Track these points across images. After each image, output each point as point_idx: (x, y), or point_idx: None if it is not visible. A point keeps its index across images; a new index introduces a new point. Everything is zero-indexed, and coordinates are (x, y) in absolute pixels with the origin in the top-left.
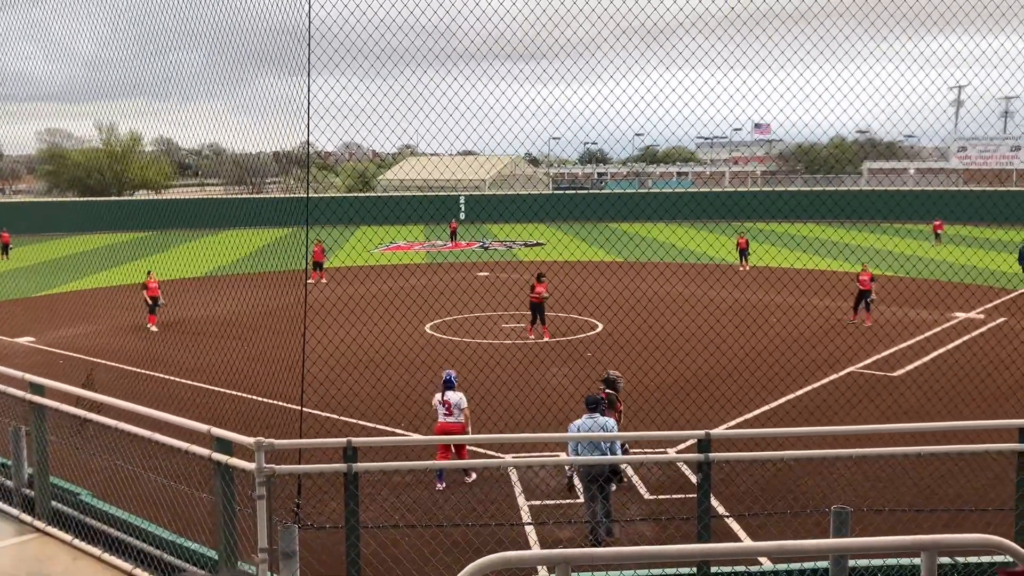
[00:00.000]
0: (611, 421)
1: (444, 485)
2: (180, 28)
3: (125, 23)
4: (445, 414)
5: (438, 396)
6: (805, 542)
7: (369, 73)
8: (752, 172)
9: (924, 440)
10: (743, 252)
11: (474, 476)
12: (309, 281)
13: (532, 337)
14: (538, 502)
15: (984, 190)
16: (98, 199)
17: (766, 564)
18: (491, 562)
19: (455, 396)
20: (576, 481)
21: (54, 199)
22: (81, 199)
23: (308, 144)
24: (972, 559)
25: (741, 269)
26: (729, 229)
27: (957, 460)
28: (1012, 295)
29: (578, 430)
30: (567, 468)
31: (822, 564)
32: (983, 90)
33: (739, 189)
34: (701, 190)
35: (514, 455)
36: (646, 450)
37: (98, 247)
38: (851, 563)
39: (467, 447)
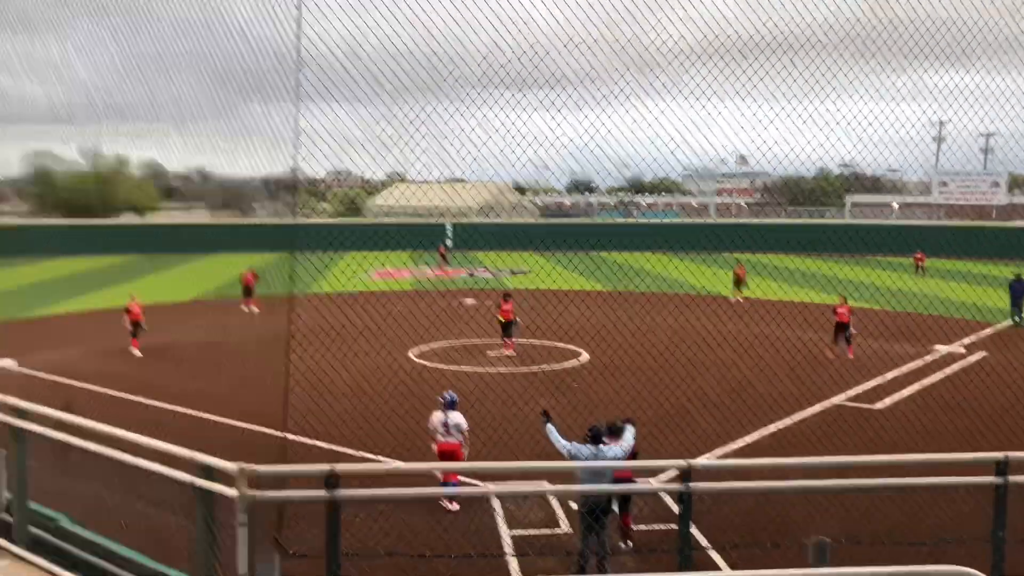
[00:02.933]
0: (617, 450)
1: (456, 506)
2: (170, 52)
3: (117, 46)
4: (444, 434)
5: (439, 416)
6: (783, 571)
7: (361, 100)
8: (737, 204)
9: (905, 472)
10: (739, 281)
11: (457, 507)
12: (243, 308)
13: (502, 351)
14: (521, 531)
15: (965, 224)
16: (84, 221)
17: None
18: None
19: (456, 416)
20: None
21: (39, 221)
22: (66, 221)
23: (295, 170)
24: None
25: (733, 300)
26: (715, 260)
27: (936, 492)
28: (993, 328)
29: (576, 457)
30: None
31: None
32: (964, 126)
33: (725, 220)
34: (687, 221)
35: (496, 483)
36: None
37: (83, 270)
38: None
39: (458, 475)
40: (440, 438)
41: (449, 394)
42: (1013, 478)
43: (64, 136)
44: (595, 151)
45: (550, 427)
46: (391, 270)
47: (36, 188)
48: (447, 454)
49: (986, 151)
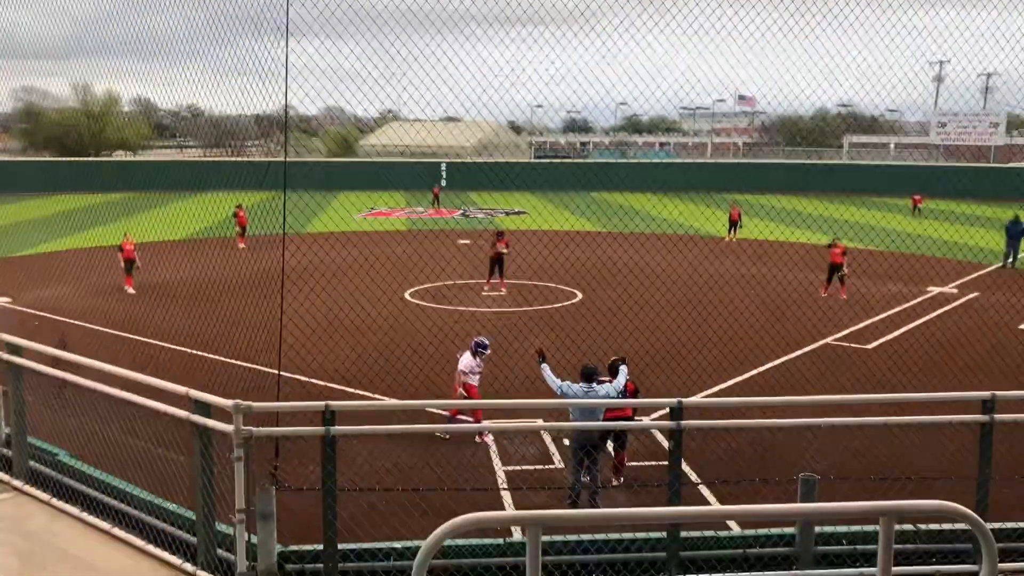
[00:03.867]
0: (610, 389)
1: (490, 438)
2: None
3: None
4: (475, 375)
5: (471, 359)
6: (770, 506)
7: (354, 36)
8: (734, 143)
9: (894, 411)
10: (734, 223)
11: (490, 439)
12: (240, 246)
13: (487, 289)
14: (514, 467)
15: (963, 166)
16: (75, 159)
17: (735, 529)
18: (463, 522)
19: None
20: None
21: (29, 158)
22: (57, 159)
23: (287, 107)
24: (934, 526)
25: (727, 240)
26: (712, 200)
27: (924, 431)
28: (986, 270)
29: (567, 394)
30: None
31: (789, 530)
32: (964, 66)
33: (721, 160)
34: (683, 160)
35: (492, 421)
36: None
37: (74, 208)
38: (817, 529)
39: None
40: (472, 380)
41: (483, 339)
42: (999, 416)
43: (53, 72)
44: (592, 89)
45: (544, 366)
46: (384, 210)
47: (25, 124)
48: (475, 395)
49: (986, 91)
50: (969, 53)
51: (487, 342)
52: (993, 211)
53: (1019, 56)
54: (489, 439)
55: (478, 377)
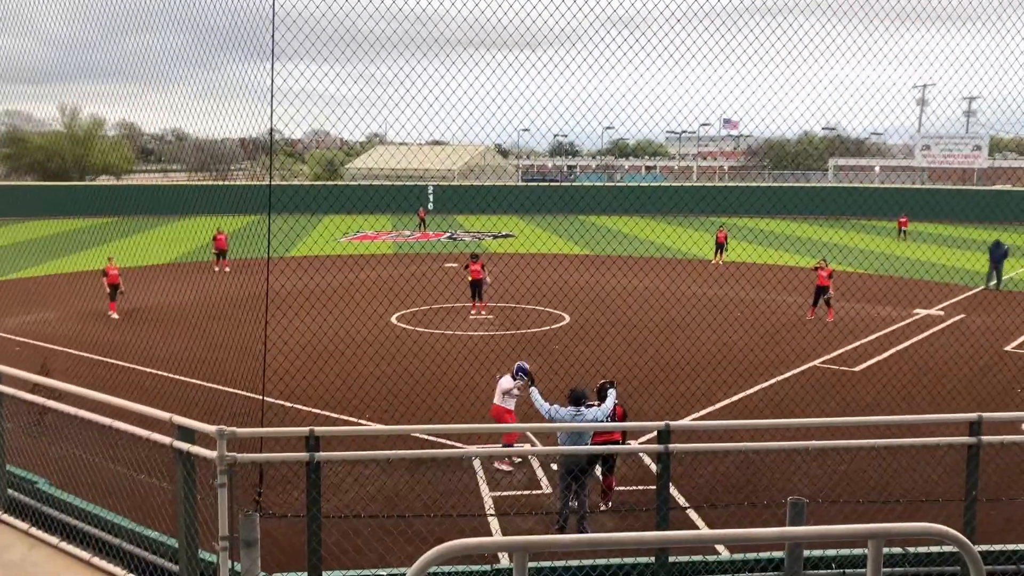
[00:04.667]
0: (598, 412)
1: (507, 466)
2: (144, 10)
3: (90, 2)
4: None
5: (511, 380)
6: (759, 530)
7: (340, 60)
8: (720, 167)
9: (881, 434)
10: (720, 246)
11: (510, 468)
12: (215, 269)
13: (474, 313)
14: (501, 493)
15: (948, 188)
16: (58, 184)
17: (724, 553)
18: (450, 549)
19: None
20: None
21: (13, 183)
22: (41, 183)
23: (272, 131)
24: (923, 549)
25: (714, 263)
26: (698, 223)
27: (912, 453)
28: (972, 291)
29: (554, 419)
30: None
31: (778, 554)
32: (947, 89)
33: (708, 184)
34: (671, 184)
35: (479, 446)
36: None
37: (58, 232)
38: (806, 553)
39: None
40: (508, 404)
41: (523, 363)
42: (986, 438)
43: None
44: (579, 113)
45: (533, 389)
46: (370, 234)
47: (8, 149)
48: (509, 419)
49: (968, 114)
50: (951, 77)
51: (527, 366)
52: (979, 233)
53: (1001, 79)
54: (508, 466)
55: (514, 401)
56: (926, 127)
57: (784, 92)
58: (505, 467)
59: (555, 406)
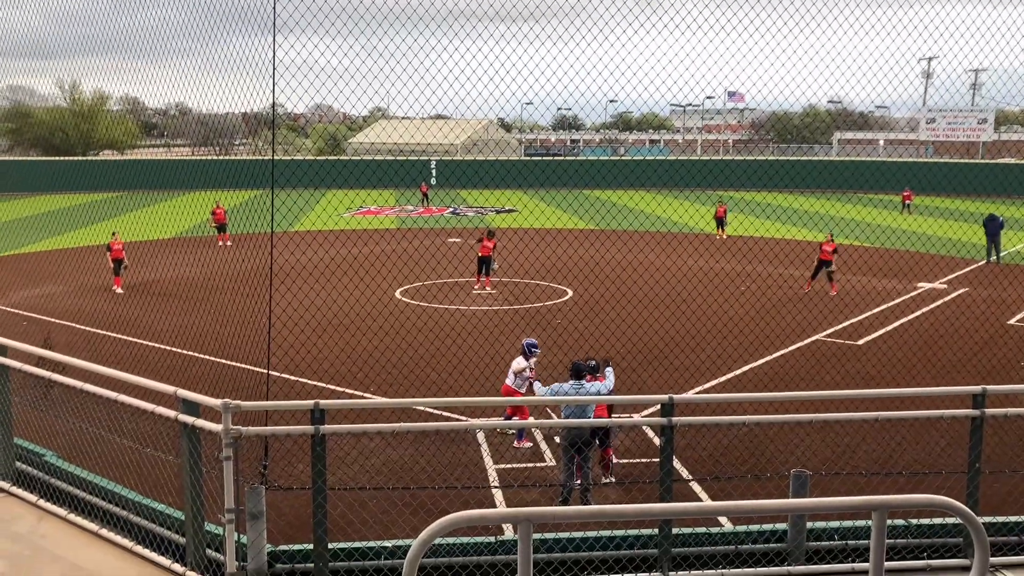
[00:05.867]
0: (600, 386)
1: (527, 443)
2: None
3: None
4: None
5: (531, 362)
6: (762, 502)
7: (342, 32)
8: (724, 141)
9: (884, 406)
10: (720, 221)
11: (528, 444)
12: (219, 244)
13: (478, 288)
14: (506, 465)
15: (953, 162)
16: (62, 159)
17: (727, 525)
18: (454, 520)
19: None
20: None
21: (17, 158)
22: (45, 159)
23: (274, 106)
24: (925, 520)
25: (718, 237)
26: (703, 197)
27: (915, 426)
28: (975, 265)
29: (557, 394)
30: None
31: (781, 526)
32: (952, 62)
33: (713, 158)
34: (676, 158)
35: (482, 419)
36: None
37: (62, 207)
38: (809, 524)
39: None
40: (517, 382)
41: (531, 339)
42: (989, 411)
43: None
44: (583, 84)
45: (536, 384)
46: (373, 208)
47: (12, 123)
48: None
49: (974, 87)
50: (957, 49)
51: (535, 342)
52: (984, 206)
53: (1007, 51)
54: (528, 443)
55: (525, 384)
56: (931, 100)
57: (791, 64)
58: (527, 444)
59: (555, 384)
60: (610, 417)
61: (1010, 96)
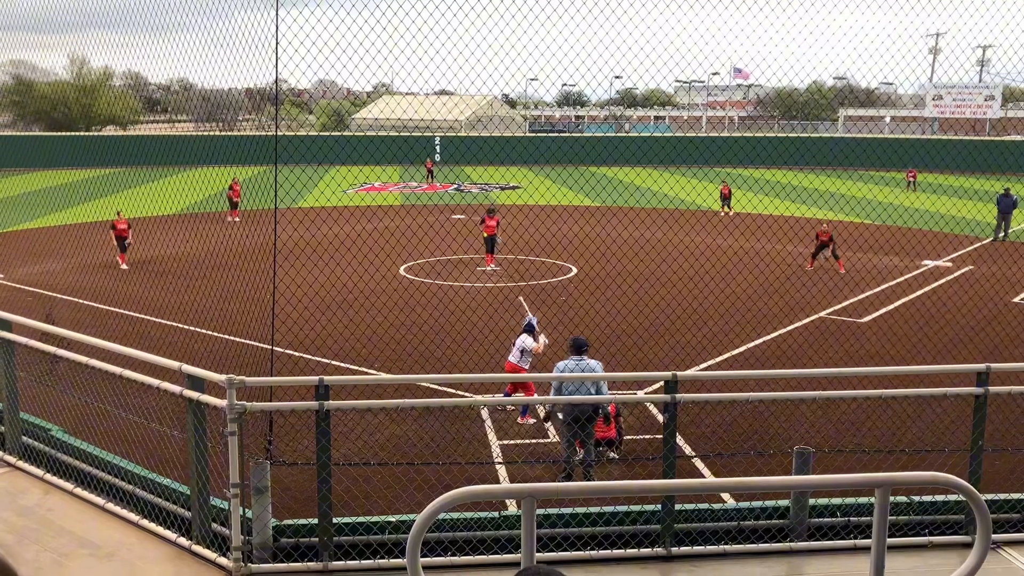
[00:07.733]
0: (598, 364)
1: (530, 419)
2: None
3: None
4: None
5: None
6: (765, 479)
7: (344, 6)
8: (729, 117)
9: (887, 384)
10: (725, 199)
11: (532, 420)
12: (229, 219)
13: (491, 266)
14: (509, 441)
15: (959, 139)
16: (65, 134)
17: (729, 501)
18: (458, 495)
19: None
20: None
21: (20, 133)
22: (48, 134)
23: (277, 80)
24: (927, 497)
25: (723, 213)
26: (709, 174)
27: (918, 404)
28: (981, 243)
29: (562, 371)
30: (546, 407)
31: (784, 502)
32: (959, 38)
33: (718, 134)
34: (681, 135)
35: (486, 395)
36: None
37: (66, 183)
38: (812, 501)
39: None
40: (521, 359)
41: (531, 317)
42: (993, 388)
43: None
44: (588, 60)
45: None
46: (377, 185)
47: (15, 97)
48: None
49: (982, 63)
50: (964, 25)
51: (535, 321)
52: (990, 184)
53: (1015, 27)
54: (532, 419)
55: (529, 362)
56: (938, 76)
57: (796, 41)
58: (530, 420)
59: (559, 363)
60: (610, 429)
61: (1017, 73)
